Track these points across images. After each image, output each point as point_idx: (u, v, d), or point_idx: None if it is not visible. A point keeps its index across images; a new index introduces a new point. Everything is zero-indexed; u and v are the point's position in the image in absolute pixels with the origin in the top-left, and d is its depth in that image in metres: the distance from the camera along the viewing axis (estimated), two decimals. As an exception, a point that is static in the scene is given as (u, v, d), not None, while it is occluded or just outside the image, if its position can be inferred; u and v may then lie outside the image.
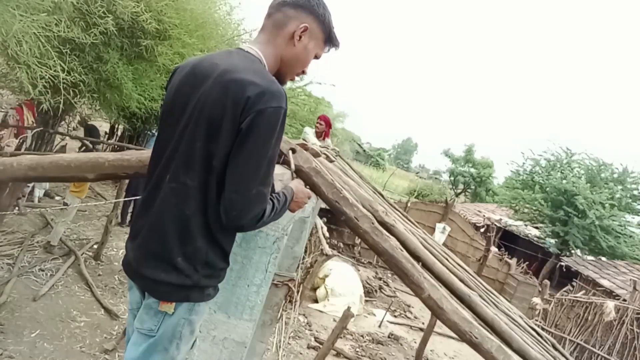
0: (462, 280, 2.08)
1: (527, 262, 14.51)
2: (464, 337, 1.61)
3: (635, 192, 15.09)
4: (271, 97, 1.21)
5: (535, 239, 17.02)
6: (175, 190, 1.29)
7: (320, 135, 5.72)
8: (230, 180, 1.24)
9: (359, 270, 9.83)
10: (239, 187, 1.23)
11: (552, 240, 15.55)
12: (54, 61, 4.75)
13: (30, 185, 6.99)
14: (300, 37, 1.39)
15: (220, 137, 1.23)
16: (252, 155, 1.22)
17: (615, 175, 15.38)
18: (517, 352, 1.75)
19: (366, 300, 8.21)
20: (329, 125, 5.80)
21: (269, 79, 1.28)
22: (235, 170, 1.23)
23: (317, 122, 5.79)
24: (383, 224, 1.77)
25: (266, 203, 1.29)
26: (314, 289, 7.63)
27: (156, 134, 1.50)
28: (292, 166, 1.62)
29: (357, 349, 6.18)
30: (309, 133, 5.73)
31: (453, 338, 7.47)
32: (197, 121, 1.27)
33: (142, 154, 1.70)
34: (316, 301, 7.44)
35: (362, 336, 6.65)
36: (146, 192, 1.39)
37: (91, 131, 7.48)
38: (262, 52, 1.38)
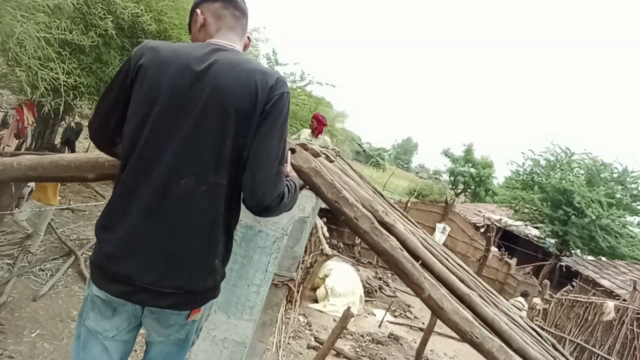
0: (462, 280, 2.08)
1: (533, 266, 14.51)
2: (464, 337, 1.61)
3: (635, 192, 15.07)
4: (284, 83, 1.29)
5: (535, 239, 17.01)
6: (207, 193, 1.23)
7: (314, 132, 5.92)
8: (253, 162, 1.24)
9: (359, 270, 9.83)
10: (262, 167, 1.24)
11: (552, 240, 15.54)
12: (55, 63, 4.75)
13: (31, 185, 6.99)
14: (248, 46, 1.49)
15: (250, 130, 1.24)
16: (274, 136, 1.26)
17: (615, 175, 15.37)
18: (517, 352, 1.75)
19: (366, 300, 8.21)
20: (320, 122, 5.97)
21: (271, 69, 1.38)
22: (259, 152, 1.24)
23: (311, 121, 6.03)
24: (383, 224, 1.77)
25: (285, 182, 1.32)
26: (314, 289, 7.62)
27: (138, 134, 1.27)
28: (289, 161, 1.61)
29: (357, 349, 6.17)
30: (305, 133, 5.93)
31: (453, 338, 7.47)
32: (221, 118, 1.22)
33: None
34: (316, 301, 7.43)
35: (362, 336, 6.65)
36: (146, 200, 1.22)
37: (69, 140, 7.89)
38: (238, 47, 1.40)
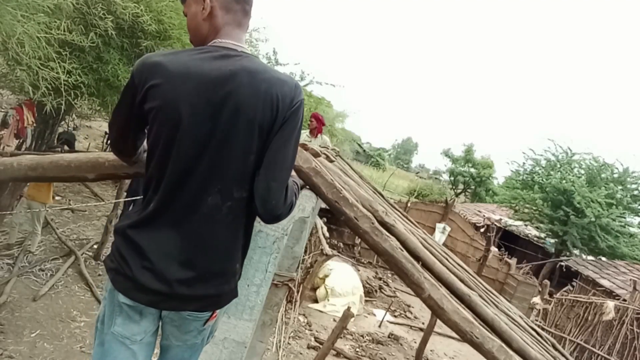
0: (462, 280, 2.08)
1: (531, 265, 14.49)
2: (464, 337, 1.61)
3: (636, 192, 15.06)
4: (300, 90, 1.29)
5: (535, 239, 17.00)
6: (232, 207, 1.26)
7: (313, 132, 5.90)
8: (269, 169, 1.23)
9: (359, 270, 9.83)
10: (277, 175, 1.24)
11: (552, 240, 15.54)
12: (56, 62, 4.75)
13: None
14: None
15: (269, 140, 1.24)
16: (290, 144, 1.26)
17: (616, 175, 15.36)
18: (517, 352, 1.75)
19: (366, 300, 8.21)
20: (319, 121, 5.98)
21: (285, 74, 1.34)
22: (276, 160, 1.24)
23: (309, 120, 6.01)
24: (383, 224, 1.76)
25: (293, 189, 1.35)
26: (314, 289, 7.62)
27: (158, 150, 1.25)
28: None
29: (357, 349, 6.18)
30: (303, 134, 5.93)
31: (453, 338, 7.47)
32: (245, 135, 1.21)
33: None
34: (316, 301, 7.43)
35: (362, 336, 6.65)
36: (174, 217, 1.24)
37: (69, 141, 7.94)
38: (246, 48, 1.35)
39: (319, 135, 5.99)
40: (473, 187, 28.11)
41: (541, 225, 15.81)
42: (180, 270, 1.25)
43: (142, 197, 1.32)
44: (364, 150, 39.34)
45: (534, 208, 15.69)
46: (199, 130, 1.20)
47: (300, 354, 5.46)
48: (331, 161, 2.41)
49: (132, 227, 1.27)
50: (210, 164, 1.22)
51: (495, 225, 16.56)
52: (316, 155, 1.84)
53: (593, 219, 13.57)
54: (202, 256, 1.27)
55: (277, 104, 1.21)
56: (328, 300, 7.34)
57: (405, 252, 1.69)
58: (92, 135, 14.70)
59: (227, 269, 1.32)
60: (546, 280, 10.69)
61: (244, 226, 1.32)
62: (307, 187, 1.71)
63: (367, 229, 1.66)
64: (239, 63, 1.23)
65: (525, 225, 16.91)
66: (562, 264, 12.95)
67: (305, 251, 6.58)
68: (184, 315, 1.33)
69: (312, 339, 5.96)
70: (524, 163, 17.65)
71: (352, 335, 6.57)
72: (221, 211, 1.25)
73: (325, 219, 8.74)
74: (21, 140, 7.31)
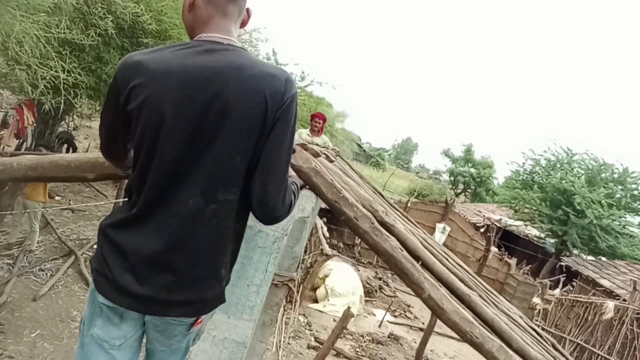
0: (462, 280, 2.08)
1: (529, 265, 14.49)
2: (464, 337, 1.61)
3: (635, 192, 15.07)
4: (292, 84, 1.21)
5: (535, 239, 17.01)
6: (216, 211, 1.20)
7: (315, 131, 5.98)
8: (264, 171, 1.19)
9: (359, 270, 9.82)
10: (273, 177, 1.20)
11: (552, 240, 15.55)
12: (55, 62, 4.75)
13: None
14: (247, 21, 1.36)
15: (261, 140, 1.18)
16: (284, 143, 1.21)
17: (616, 175, 15.38)
18: (517, 352, 1.75)
19: (366, 300, 8.21)
20: (324, 119, 6.13)
21: (276, 66, 1.27)
22: (270, 161, 1.19)
23: (313, 121, 6.06)
24: (383, 224, 1.76)
25: (291, 188, 1.30)
26: (314, 289, 7.62)
27: (141, 150, 1.21)
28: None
29: (357, 349, 6.17)
30: (303, 134, 5.96)
31: (453, 338, 7.47)
32: (232, 135, 1.16)
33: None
34: (316, 301, 7.43)
35: (362, 336, 6.65)
36: (157, 220, 1.20)
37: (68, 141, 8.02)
38: (235, 40, 1.27)
39: (321, 134, 6.06)
40: (473, 187, 28.15)
41: (541, 225, 15.82)
42: (161, 274, 1.20)
43: (127, 198, 1.27)
44: (364, 150, 39.34)
45: (534, 208, 15.70)
46: (182, 130, 1.15)
47: (300, 354, 5.46)
48: (331, 161, 2.41)
49: (113, 227, 1.23)
50: (193, 166, 1.17)
51: (495, 225, 16.57)
52: (316, 155, 1.84)
53: (594, 220, 13.58)
54: (183, 260, 1.21)
55: (267, 102, 1.15)
56: (328, 300, 7.33)
57: (405, 252, 1.69)
58: (92, 135, 14.69)
59: (210, 274, 1.26)
60: (546, 280, 10.69)
61: (232, 230, 1.26)
62: (307, 187, 1.71)
63: (367, 229, 1.66)
64: (223, 58, 1.18)
65: (525, 225, 16.92)
66: (562, 263, 12.96)
67: (305, 251, 6.58)
68: (167, 320, 1.28)
69: (312, 339, 5.96)
70: (524, 163, 17.69)
71: (352, 335, 6.57)
72: (204, 214, 1.19)
73: (325, 219, 8.74)
74: (21, 140, 7.31)
